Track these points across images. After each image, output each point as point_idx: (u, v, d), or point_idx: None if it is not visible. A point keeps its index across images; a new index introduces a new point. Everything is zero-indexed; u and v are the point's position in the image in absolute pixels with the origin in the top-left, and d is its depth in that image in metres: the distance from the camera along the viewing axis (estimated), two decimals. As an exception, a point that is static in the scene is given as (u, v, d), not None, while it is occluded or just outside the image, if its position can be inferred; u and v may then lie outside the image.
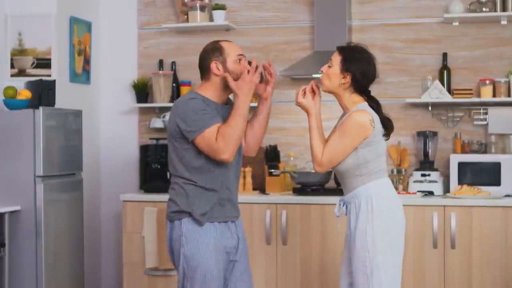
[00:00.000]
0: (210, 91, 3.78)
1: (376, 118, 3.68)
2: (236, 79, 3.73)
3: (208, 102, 3.73)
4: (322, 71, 3.77)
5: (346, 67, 3.68)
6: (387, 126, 3.74)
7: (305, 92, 3.77)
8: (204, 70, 3.81)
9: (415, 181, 5.54)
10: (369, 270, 3.62)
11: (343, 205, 3.81)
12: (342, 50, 3.74)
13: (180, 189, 3.77)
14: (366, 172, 3.68)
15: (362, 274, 3.64)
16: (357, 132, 3.62)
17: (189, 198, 3.74)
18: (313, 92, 3.79)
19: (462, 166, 5.46)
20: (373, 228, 3.62)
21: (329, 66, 3.73)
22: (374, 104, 3.74)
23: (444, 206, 5.19)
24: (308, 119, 3.76)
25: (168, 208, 3.84)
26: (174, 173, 3.82)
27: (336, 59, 3.72)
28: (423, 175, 5.53)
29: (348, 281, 3.81)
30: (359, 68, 3.68)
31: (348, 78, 3.68)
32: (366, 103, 3.72)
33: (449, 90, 5.68)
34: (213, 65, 3.75)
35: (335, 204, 5.28)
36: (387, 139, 3.78)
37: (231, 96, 3.90)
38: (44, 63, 5.82)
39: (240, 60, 3.78)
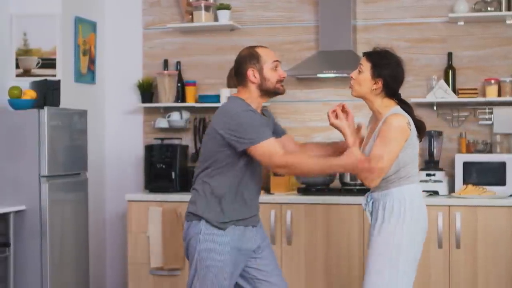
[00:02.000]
0: (249, 98, 3.80)
1: (411, 120, 3.69)
2: (271, 86, 3.77)
3: (255, 111, 3.74)
4: (352, 77, 3.77)
5: (377, 73, 3.68)
6: (420, 127, 3.76)
7: (336, 114, 3.73)
8: (241, 77, 3.83)
9: (420, 181, 5.49)
10: (387, 271, 3.62)
11: (370, 200, 3.80)
12: (370, 56, 3.74)
13: (202, 192, 3.80)
14: (404, 175, 3.68)
15: (376, 273, 3.64)
16: (399, 136, 3.60)
17: (210, 204, 3.76)
18: (345, 111, 3.76)
19: (467, 165, 5.45)
20: (403, 231, 3.63)
21: (359, 72, 3.73)
22: (406, 107, 3.74)
23: (449, 206, 5.18)
24: (345, 139, 3.72)
25: (188, 208, 3.87)
26: (199, 173, 3.84)
27: (366, 65, 3.71)
28: (428, 174, 5.52)
29: None
30: (390, 72, 3.69)
31: (380, 84, 3.69)
32: (398, 107, 3.72)
33: (454, 90, 5.67)
34: (250, 73, 3.78)
35: (339, 204, 5.35)
36: (419, 141, 3.79)
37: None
38: (49, 63, 5.83)
39: (276, 67, 3.79)
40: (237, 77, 3.86)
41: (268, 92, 3.83)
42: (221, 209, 3.76)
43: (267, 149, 3.63)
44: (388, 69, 3.69)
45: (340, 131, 3.73)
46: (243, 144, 3.65)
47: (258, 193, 3.96)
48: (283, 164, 3.63)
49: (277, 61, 3.82)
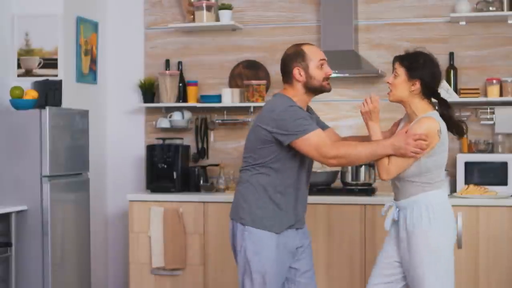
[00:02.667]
0: (295, 96, 3.79)
1: (444, 127, 3.66)
2: (317, 84, 3.76)
3: (300, 107, 3.74)
4: (388, 83, 3.75)
5: (413, 74, 3.67)
6: (458, 129, 3.75)
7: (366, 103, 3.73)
8: (287, 75, 3.82)
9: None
10: (433, 277, 3.62)
11: (396, 209, 3.76)
12: (403, 59, 3.73)
13: (247, 190, 3.78)
14: (427, 181, 3.66)
15: (419, 280, 3.64)
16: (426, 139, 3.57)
17: (256, 202, 3.75)
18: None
19: (469, 165, 5.45)
20: (436, 237, 3.63)
21: (395, 76, 3.71)
22: (446, 107, 3.73)
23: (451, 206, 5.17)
24: (372, 127, 3.72)
25: (233, 206, 3.86)
26: (244, 170, 3.83)
27: (400, 69, 3.70)
28: (430, 174, 5.51)
29: (386, 280, 3.79)
30: (426, 72, 3.67)
31: (418, 84, 3.67)
32: (435, 112, 3.69)
33: (456, 90, 5.67)
34: (295, 71, 3.77)
35: (341, 204, 5.34)
36: (459, 139, 3.79)
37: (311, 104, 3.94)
38: (50, 63, 5.83)
39: (322, 65, 3.79)
40: (283, 75, 3.84)
41: (314, 90, 3.81)
42: (267, 207, 3.74)
43: (315, 140, 3.62)
44: (424, 69, 3.67)
45: (370, 117, 3.70)
46: (290, 137, 3.64)
47: (305, 194, 3.90)
48: (333, 155, 3.61)
49: (323, 59, 3.80)
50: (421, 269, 3.63)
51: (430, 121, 3.61)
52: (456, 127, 3.75)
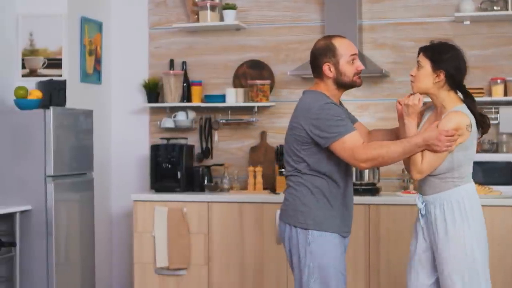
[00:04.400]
0: (326, 92, 3.67)
1: (473, 121, 3.59)
2: (347, 80, 3.66)
3: (335, 103, 3.63)
4: (411, 75, 3.66)
5: (437, 65, 3.58)
6: (483, 122, 3.68)
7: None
8: (317, 70, 3.71)
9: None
10: (467, 275, 3.54)
11: (422, 203, 3.68)
12: (427, 50, 3.64)
13: (302, 194, 3.67)
14: (458, 176, 3.60)
15: (457, 278, 3.55)
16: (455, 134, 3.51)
17: (315, 205, 3.64)
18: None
19: (473, 165, 5.42)
20: (471, 232, 3.55)
21: (419, 67, 3.64)
22: (470, 100, 3.65)
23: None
24: (411, 125, 3.63)
25: (288, 210, 3.74)
26: (289, 173, 3.73)
27: (424, 60, 3.61)
28: (434, 174, 5.50)
29: (428, 282, 3.72)
30: (451, 63, 3.58)
31: (442, 76, 3.58)
32: (464, 105, 3.61)
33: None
34: (325, 67, 3.65)
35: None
36: (480, 137, 3.71)
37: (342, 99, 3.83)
38: (55, 63, 5.84)
39: (353, 60, 3.67)
40: (313, 69, 3.72)
41: (345, 86, 3.70)
42: (327, 209, 3.64)
43: (351, 144, 3.51)
44: (448, 61, 3.58)
45: (410, 115, 3.62)
46: (328, 140, 3.54)
47: (349, 196, 3.78)
48: (365, 158, 3.50)
49: (354, 54, 3.67)
50: (448, 264, 3.56)
51: (460, 115, 3.53)
52: (481, 121, 3.66)
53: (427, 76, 3.61)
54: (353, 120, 3.90)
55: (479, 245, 3.58)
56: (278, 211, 5.38)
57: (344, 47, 3.66)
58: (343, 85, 3.70)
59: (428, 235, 3.69)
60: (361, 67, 3.69)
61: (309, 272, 3.63)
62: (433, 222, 3.63)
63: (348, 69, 3.65)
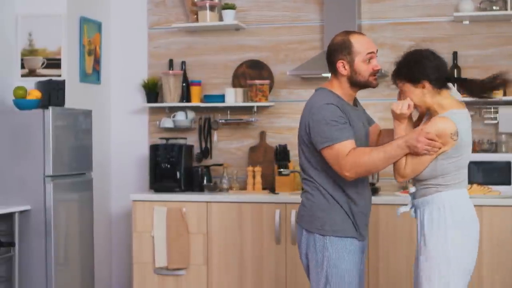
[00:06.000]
0: (340, 89, 3.56)
1: (463, 127, 3.39)
2: (361, 80, 3.52)
3: (342, 103, 3.51)
4: (408, 107, 3.43)
5: (414, 79, 3.40)
6: (493, 85, 3.47)
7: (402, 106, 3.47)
8: (331, 66, 3.58)
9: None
10: (437, 282, 3.42)
11: (412, 207, 3.61)
12: (398, 73, 3.47)
13: (318, 199, 3.59)
14: (443, 182, 3.44)
15: (426, 283, 3.44)
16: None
17: (331, 211, 3.56)
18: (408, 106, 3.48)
19: (472, 165, 5.41)
20: (447, 241, 3.43)
21: (402, 94, 3.46)
22: (466, 84, 3.49)
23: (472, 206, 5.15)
24: (398, 128, 3.47)
25: (304, 215, 3.66)
26: (304, 177, 3.66)
27: (401, 83, 3.45)
28: (433, 174, 5.50)
29: None
30: (425, 69, 3.39)
31: (427, 84, 3.40)
32: (454, 111, 3.41)
33: (459, 89, 5.65)
34: (339, 65, 3.53)
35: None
36: (473, 96, 3.52)
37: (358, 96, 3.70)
38: (54, 63, 5.84)
39: (370, 59, 3.53)
40: (328, 64, 3.60)
41: (359, 85, 3.56)
42: (343, 214, 3.56)
43: (337, 152, 3.39)
44: (420, 67, 3.40)
45: (399, 119, 3.47)
46: (319, 143, 3.45)
47: (366, 200, 3.69)
48: (350, 167, 3.37)
49: (372, 52, 3.52)
50: (422, 268, 3.48)
51: (445, 121, 3.35)
52: (489, 84, 3.46)
53: (415, 94, 3.43)
54: (370, 122, 3.82)
55: (457, 257, 3.42)
56: (278, 211, 5.42)
57: (360, 44, 3.52)
58: (357, 84, 3.57)
59: (418, 236, 3.65)
60: (378, 67, 3.55)
61: (326, 277, 3.56)
62: (419, 225, 3.57)
63: (364, 68, 3.52)
